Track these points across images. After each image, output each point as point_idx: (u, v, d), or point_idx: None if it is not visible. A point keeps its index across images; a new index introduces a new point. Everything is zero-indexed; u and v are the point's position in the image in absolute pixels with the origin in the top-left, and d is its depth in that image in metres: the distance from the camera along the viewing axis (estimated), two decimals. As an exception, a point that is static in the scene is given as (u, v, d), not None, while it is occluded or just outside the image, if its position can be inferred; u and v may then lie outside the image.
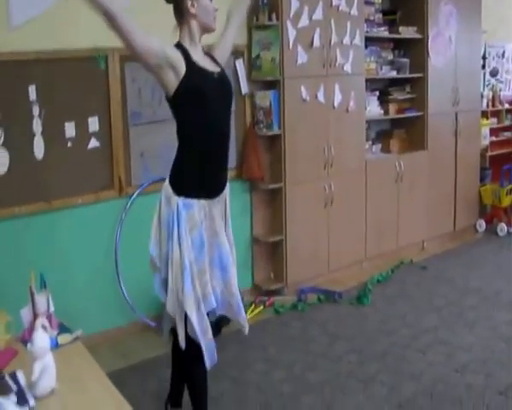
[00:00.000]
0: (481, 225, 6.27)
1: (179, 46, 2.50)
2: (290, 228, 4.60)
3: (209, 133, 2.53)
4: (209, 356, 2.60)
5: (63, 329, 2.54)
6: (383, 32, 5.33)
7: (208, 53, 2.70)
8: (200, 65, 2.50)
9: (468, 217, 6.22)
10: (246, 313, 4.16)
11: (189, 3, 2.49)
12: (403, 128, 5.65)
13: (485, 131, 6.44)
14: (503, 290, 4.67)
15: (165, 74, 2.42)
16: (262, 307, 4.40)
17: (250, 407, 3.18)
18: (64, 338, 2.45)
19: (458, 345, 3.78)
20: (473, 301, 4.48)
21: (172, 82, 2.44)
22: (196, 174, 2.54)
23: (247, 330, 2.80)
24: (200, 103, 2.48)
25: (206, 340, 2.58)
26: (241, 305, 2.74)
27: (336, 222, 4.88)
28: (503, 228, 6.12)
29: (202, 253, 2.55)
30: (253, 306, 4.40)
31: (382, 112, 5.42)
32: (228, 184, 2.71)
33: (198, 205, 2.54)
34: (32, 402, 1.93)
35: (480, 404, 3.13)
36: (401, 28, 5.42)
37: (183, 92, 2.45)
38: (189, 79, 2.44)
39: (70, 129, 3.73)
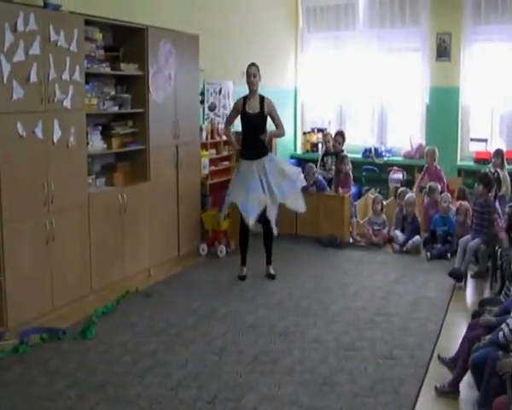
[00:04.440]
0: (204, 248, 6.79)
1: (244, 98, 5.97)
2: (9, 268, 4.45)
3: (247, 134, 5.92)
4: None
5: None
6: (105, 68, 5.50)
7: (263, 99, 5.89)
8: (246, 109, 5.88)
9: (192, 242, 6.71)
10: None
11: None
12: (127, 161, 5.90)
13: (205, 161, 7.00)
14: (219, 307, 5.17)
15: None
16: (-21, 355, 4.19)
17: None
18: None
19: (175, 364, 4.11)
20: (191, 320, 4.88)
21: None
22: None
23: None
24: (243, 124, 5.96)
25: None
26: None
27: (59, 258, 4.88)
28: (222, 250, 6.72)
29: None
30: (-30, 355, 4.16)
31: (105, 146, 5.57)
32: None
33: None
34: None
35: (189, 416, 3.47)
36: (123, 65, 5.66)
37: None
38: (242, 114, 5.91)
39: None
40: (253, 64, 5.93)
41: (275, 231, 5.86)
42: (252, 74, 5.86)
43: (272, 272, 6.06)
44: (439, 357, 4.16)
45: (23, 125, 4.53)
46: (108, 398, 3.64)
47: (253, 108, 5.86)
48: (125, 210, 5.59)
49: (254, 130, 5.83)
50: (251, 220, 5.68)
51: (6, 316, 4.47)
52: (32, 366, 4.09)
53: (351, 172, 7.83)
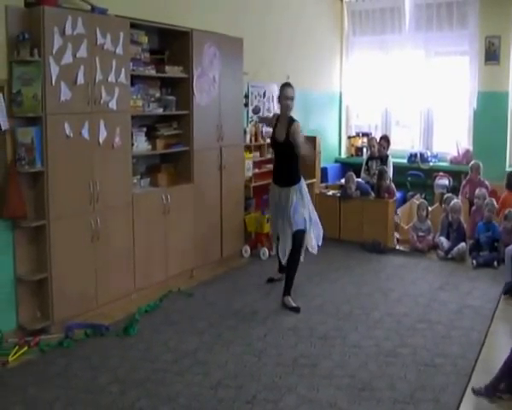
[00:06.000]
0: (247, 250, 6.81)
1: (277, 117, 5.58)
2: (56, 264, 4.57)
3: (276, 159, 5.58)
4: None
5: None
6: (150, 70, 5.59)
7: (290, 125, 5.29)
8: (275, 134, 5.48)
9: (235, 244, 6.72)
10: (9, 355, 4.10)
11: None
12: (171, 162, 5.97)
13: (249, 163, 7.03)
14: (259, 309, 5.17)
15: None
16: (26, 347, 4.28)
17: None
18: None
19: (215, 363, 4.12)
20: (231, 321, 4.90)
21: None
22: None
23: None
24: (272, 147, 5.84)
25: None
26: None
27: (104, 256, 4.98)
28: (265, 252, 6.72)
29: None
30: (17, 347, 4.25)
31: (150, 147, 5.66)
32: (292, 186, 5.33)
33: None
34: None
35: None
36: (168, 68, 5.73)
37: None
38: (272, 137, 5.63)
39: None
40: (289, 84, 5.41)
41: (283, 261, 5.43)
42: (289, 97, 5.32)
43: (291, 303, 5.26)
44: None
45: (70, 125, 4.64)
46: (149, 394, 3.69)
47: (280, 134, 5.37)
48: (169, 211, 5.65)
49: (281, 158, 5.44)
50: (283, 259, 5.45)
51: (52, 311, 4.59)
52: (75, 360, 4.18)
53: (392, 184, 7.68)
